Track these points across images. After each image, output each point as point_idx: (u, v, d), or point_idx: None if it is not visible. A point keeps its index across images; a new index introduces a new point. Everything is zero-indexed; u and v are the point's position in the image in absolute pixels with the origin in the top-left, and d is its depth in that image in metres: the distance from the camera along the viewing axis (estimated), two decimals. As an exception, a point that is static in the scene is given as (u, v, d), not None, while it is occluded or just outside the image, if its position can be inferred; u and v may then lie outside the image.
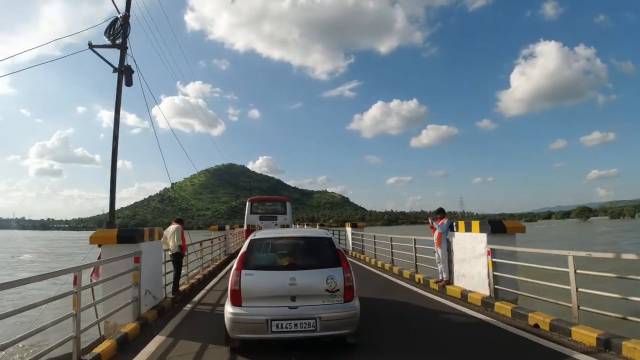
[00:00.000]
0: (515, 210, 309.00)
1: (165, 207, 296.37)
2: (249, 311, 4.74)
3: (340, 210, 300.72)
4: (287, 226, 19.03)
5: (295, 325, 4.67)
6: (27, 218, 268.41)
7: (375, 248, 14.98)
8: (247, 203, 20.24)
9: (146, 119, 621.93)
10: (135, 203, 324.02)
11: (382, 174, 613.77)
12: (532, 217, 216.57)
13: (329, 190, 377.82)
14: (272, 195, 31.00)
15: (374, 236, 15.51)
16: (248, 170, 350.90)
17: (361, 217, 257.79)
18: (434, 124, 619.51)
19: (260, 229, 11.26)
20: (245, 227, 19.49)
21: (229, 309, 4.81)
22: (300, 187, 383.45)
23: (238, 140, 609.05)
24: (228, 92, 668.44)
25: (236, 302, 4.81)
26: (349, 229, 20.07)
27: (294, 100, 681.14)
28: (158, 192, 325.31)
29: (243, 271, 4.93)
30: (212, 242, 14.24)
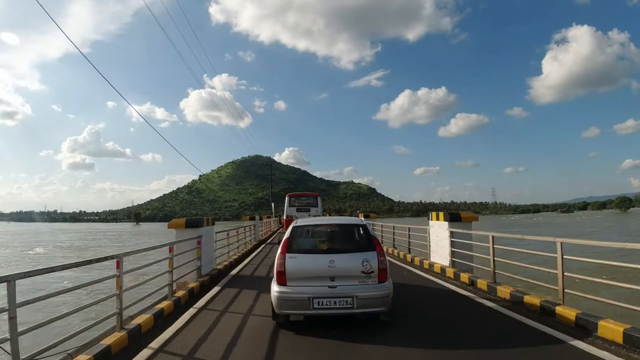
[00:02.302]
0: (548, 200, 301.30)
1: (193, 198, 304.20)
2: (293, 290, 5.34)
3: (368, 201, 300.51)
4: (318, 217, 21.95)
5: (335, 302, 5.25)
6: (59, 211, 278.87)
7: (383, 236, 17.60)
8: (286, 198, 24.89)
9: (175, 113, 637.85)
10: (164, 195, 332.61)
11: (410, 165, 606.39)
12: (567, 208, 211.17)
13: (356, 181, 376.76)
14: (300, 190, 35.66)
15: (382, 225, 18.19)
16: (274, 162, 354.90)
17: (389, 208, 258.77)
18: (463, 113, 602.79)
19: (297, 218, 13.91)
20: (284, 217, 24.14)
21: (275, 288, 5.43)
22: (326, 178, 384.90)
23: (264, 132, 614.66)
24: (254, 84, 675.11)
25: (281, 281, 5.42)
26: (438, 225, 20.19)
27: (319, 90, 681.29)
28: (186, 184, 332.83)
29: (287, 254, 5.52)
30: (245, 230, 17.18)
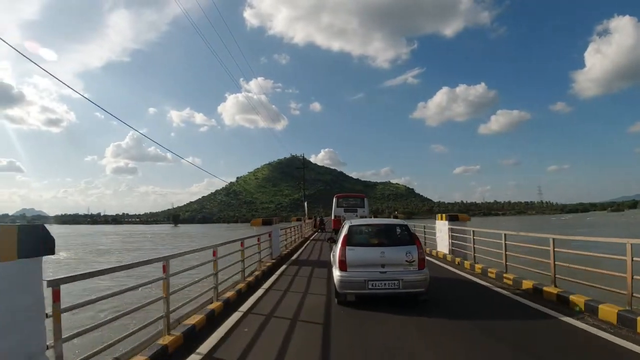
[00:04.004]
0: (594, 199, 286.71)
1: (230, 200, 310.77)
2: (351, 274, 6.77)
3: (406, 201, 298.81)
4: (365, 217, 23.99)
5: (385, 284, 6.65)
6: (102, 214, 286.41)
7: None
8: (334, 198, 26.26)
9: (213, 117, 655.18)
10: (203, 197, 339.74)
11: (449, 164, 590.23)
12: (617, 206, 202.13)
13: (393, 181, 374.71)
14: (336, 191, 37.41)
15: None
16: (310, 163, 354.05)
17: (429, 209, 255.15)
18: (504, 109, 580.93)
19: (345, 219, 15.22)
20: (333, 217, 25.59)
21: (337, 273, 6.92)
22: (362, 179, 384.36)
23: (300, 134, 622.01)
24: (289, 86, 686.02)
25: (343, 268, 6.86)
26: (442, 223, 14.35)
27: (355, 91, 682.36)
28: (224, 186, 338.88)
29: (347, 247, 6.97)
30: (294, 229, 21.41)
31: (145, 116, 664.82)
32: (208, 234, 77.28)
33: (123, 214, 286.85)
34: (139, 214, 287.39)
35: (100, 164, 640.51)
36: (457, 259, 12.31)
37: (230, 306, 7.14)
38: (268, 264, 12.19)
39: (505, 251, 9.55)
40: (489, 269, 10.00)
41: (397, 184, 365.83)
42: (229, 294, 7.78)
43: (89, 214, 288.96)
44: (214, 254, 7.24)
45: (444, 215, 14.19)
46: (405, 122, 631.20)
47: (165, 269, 5.24)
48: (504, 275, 9.18)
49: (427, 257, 9.21)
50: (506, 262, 9.49)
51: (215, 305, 6.82)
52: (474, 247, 11.56)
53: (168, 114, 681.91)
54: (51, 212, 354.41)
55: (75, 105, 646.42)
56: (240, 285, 8.66)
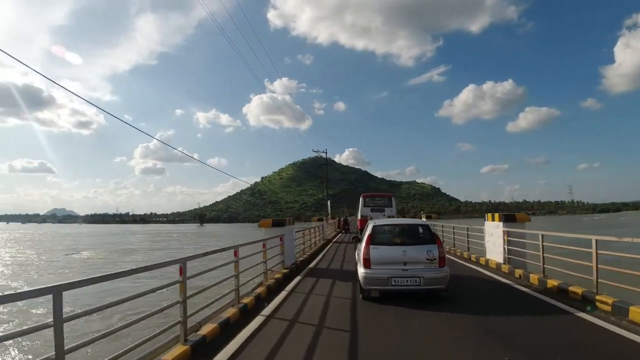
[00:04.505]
0: (626, 198, 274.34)
1: (255, 200, 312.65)
2: (375, 271, 7.14)
3: (432, 201, 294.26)
4: (392, 217, 22.67)
5: (407, 281, 7.01)
6: (131, 213, 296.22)
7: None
8: (361, 198, 25.13)
9: (238, 118, 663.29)
10: (228, 197, 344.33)
11: (476, 163, 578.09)
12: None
13: (418, 181, 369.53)
14: (361, 191, 36.12)
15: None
16: (334, 162, 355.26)
17: (456, 209, 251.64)
18: (532, 106, 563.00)
19: (371, 218, 14.23)
20: (359, 217, 24.36)
21: (361, 270, 7.28)
22: (387, 179, 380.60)
23: (324, 134, 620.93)
24: (313, 86, 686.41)
25: (367, 266, 7.22)
26: (494, 225, 11.67)
27: (379, 89, 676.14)
28: (249, 186, 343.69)
29: (371, 246, 7.35)
30: (315, 230, 19.01)
31: (172, 118, 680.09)
32: (234, 233, 76.71)
33: (151, 213, 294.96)
34: (166, 214, 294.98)
35: (129, 164, 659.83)
36: (519, 271, 9.64)
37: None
38: (278, 275, 9.93)
39: (597, 264, 6.93)
40: (571, 287, 7.42)
41: (422, 183, 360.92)
42: (206, 330, 5.42)
43: (118, 213, 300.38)
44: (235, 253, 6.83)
45: (496, 215, 11.48)
46: (430, 120, 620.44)
47: (181, 271, 4.99)
48: (597, 297, 6.60)
49: (474, 267, 10.22)
50: (597, 278, 6.89)
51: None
52: (542, 257, 8.87)
53: (194, 115, 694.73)
54: (81, 211, 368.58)
55: (105, 107, 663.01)
56: (231, 312, 6.32)
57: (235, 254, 6.89)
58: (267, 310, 6.89)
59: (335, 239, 25.48)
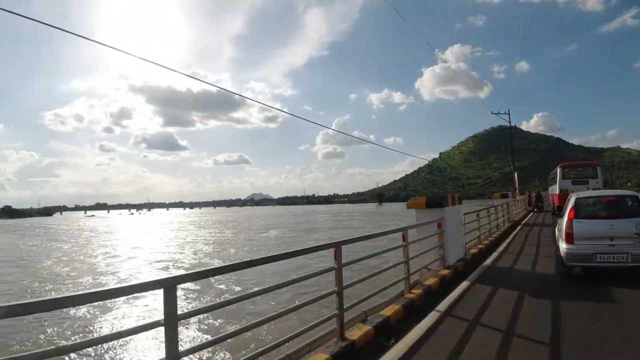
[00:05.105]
0: None
1: (434, 177, 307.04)
2: (578, 247, 6.73)
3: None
4: (598, 190, 18.30)
5: (613, 257, 6.50)
6: (316, 195, 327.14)
7: None
8: (558, 169, 22.23)
9: (411, 94, 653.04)
10: (406, 175, 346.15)
11: None
12: None
13: (623, 146, 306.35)
14: (554, 162, 30.10)
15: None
16: (521, 131, 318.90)
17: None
18: None
19: (572, 192, 11.85)
20: (557, 192, 21.73)
21: (563, 246, 6.95)
22: (585, 145, 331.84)
23: (507, 100, 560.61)
24: (490, 48, 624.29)
25: (569, 241, 6.83)
26: None
27: (565, 42, 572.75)
28: (426, 163, 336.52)
29: (574, 220, 6.92)
30: (495, 210, 14.81)
31: (347, 103, 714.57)
32: (410, 213, 73.16)
33: (334, 194, 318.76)
34: (348, 194, 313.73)
35: (312, 151, 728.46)
36: None
37: None
38: (430, 281, 6.85)
39: None
40: None
41: (628, 149, 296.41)
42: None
43: (305, 195, 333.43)
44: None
45: None
46: (629, 72, 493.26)
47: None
48: None
49: None
50: None
51: None
52: None
53: (367, 97, 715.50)
54: (275, 195, 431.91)
55: (287, 102, 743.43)
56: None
57: (335, 256, 4.41)
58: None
59: (525, 221, 20.49)
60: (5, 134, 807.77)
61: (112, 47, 6.28)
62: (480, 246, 10.60)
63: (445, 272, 7.40)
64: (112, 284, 15.80)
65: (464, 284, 6.95)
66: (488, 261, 9.15)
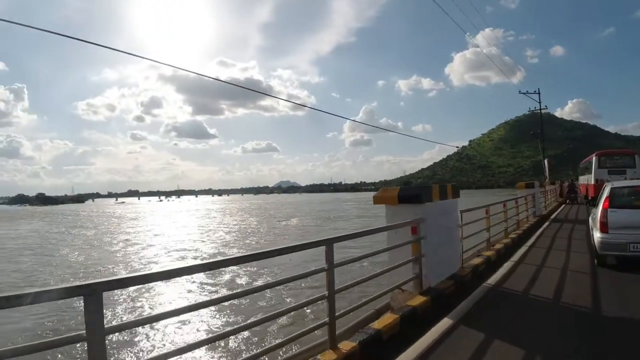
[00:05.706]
0: None
1: (463, 165, 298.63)
2: (613, 236, 6.64)
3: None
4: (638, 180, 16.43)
5: None
6: (343, 182, 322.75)
7: None
8: (594, 157, 20.93)
9: (440, 80, 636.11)
10: (434, 163, 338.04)
11: None
12: None
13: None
14: (589, 150, 27.25)
15: None
16: (555, 118, 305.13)
17: None
18: None
19: (608, 182, 11.01)
20: (592, 181, 20.77)
21: (597, 235, 6.85)
22: (623, 134, 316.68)
23: (541, 85, 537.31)
24: (523, 32, 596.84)
25: (604, 230, 6.74)
26: None
27: (602, 25, 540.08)
28: (455, 150, 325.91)
29: (608, 209, 6.80)
30: (516, 202, 11.87)
31: (375, 89, 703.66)
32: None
33: (361, 182, 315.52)
34: (375, 182, 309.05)
35: (340, 138, 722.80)
36: None
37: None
38: (385, 320, 4.33)
39: None
40: None
41: None
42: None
43: (332, 183, 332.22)
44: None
45: None
46: None
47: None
48: None
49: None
50: None
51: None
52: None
53: (395, 84, 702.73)
54: (302, 182, 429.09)
55: (314, 89, 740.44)
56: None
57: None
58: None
59: (554, 215, 17.52)
60: (40, 124, 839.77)
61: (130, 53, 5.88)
62: (487, 253, 7.80)
63: (418, 300, 4.80)
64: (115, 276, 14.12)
65: (441, 326, 4.33)
66: (494, 278, 6.42)
